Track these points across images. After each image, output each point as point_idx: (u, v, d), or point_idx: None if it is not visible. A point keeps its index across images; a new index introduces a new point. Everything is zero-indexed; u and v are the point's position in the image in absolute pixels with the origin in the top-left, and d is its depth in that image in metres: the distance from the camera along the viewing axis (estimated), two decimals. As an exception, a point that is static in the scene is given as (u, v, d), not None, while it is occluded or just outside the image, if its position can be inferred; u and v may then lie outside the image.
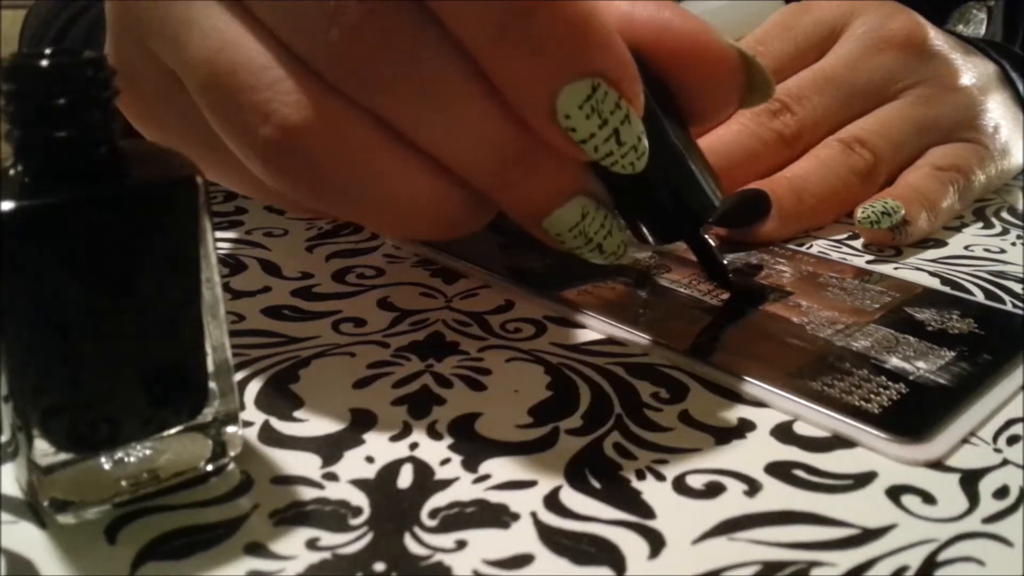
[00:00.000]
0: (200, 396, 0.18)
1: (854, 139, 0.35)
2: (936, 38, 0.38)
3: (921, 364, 0.23)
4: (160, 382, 0.17)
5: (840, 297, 0.27)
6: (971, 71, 0.38)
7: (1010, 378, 0.22)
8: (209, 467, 0.18)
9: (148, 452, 0.17)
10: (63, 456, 0.16)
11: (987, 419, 0.21)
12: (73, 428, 0.16)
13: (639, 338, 0.24)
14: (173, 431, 0.17)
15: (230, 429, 0.18)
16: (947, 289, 0.28)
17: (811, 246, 0.33)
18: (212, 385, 0.18)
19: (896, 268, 0.31)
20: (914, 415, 0.20)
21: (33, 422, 0.16)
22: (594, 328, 0.25)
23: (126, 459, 0.17)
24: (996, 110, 0.38)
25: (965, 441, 0.20)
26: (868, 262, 0.31)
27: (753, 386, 0.22)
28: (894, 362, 0.23)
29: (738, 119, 0.36)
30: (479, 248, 0.31)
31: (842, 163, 0.34)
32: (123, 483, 0.17)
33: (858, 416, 0.20)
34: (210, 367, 0.18)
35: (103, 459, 0.17)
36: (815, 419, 0.20)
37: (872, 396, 0.21)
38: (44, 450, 0.16)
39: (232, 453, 0.18)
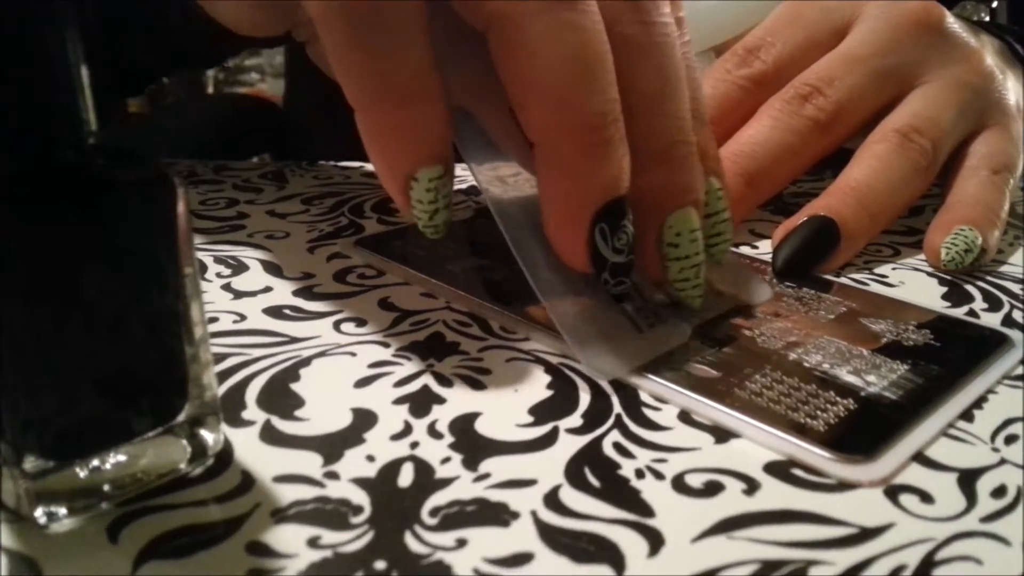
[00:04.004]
0: (176, 399, 0.18)
1: (911, 128, 0.33)
2: (950, 18, 0.36)
3: (872, 378, 0.22)
4: (134, 386, 0.17)
5: (794, 307, 0.26)
6: (989, 50, 0.37)
7: (963, 392, 0.21)
8: (190, 468, 0.18)
9: (124, 458, 0.17)
10: (42, 464, 0.16)
11: (937, 436, 0.20)
12: (45, 437, 0.16)
13: (579, 352, 0.22)
14: (150, 435, 0.17)
15: (208, 429, 0.18)
16: (904, 297, 0.27)
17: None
18: (189, 387, 0.18)
19: (895, 268, 0.31)
20: (860, 433, 0.19)
21: (10, 432, 0.16)
22: (542, 342, 0.24)
23: (102, 466, 0.17)
24: (1015, 89, 0.37)
25: (913, 460, 0.19)
26: (866, 262, 0.31)
27: (695, 402, 0.21)
28: (845, 376, 0.22)
29: (767, 111, 0.33)
30: (447, 266, 0.29)
31: (904, 159, 0.32)
32: (106, 487, 0.17)
33: (802, 434, 0.19)
34: (186, 369, 0.17)
35: (77, 468, 0.17)
36: (758, 437, 0.20)
37: (819, 412, 0.20)
38: (30, 459, 0.16)
39: (211, 453, 0.18)
